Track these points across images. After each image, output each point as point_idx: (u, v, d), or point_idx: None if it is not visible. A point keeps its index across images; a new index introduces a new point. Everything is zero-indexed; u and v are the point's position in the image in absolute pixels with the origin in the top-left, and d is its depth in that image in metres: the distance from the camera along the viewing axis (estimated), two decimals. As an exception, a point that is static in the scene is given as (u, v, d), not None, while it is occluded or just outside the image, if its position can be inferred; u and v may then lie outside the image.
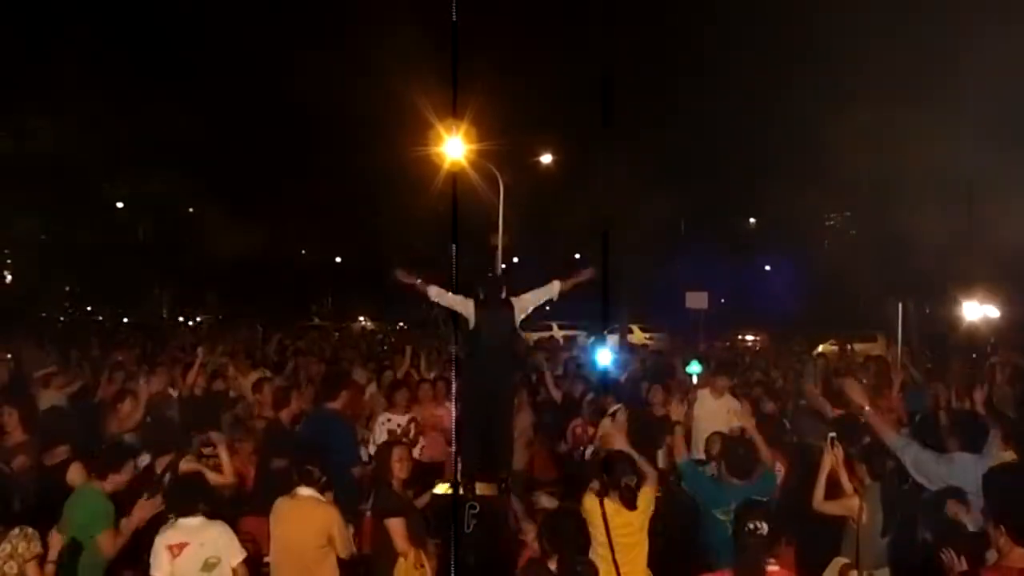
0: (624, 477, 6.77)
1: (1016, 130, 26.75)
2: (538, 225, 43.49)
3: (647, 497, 6.86)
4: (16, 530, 5.93)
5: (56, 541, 6.29)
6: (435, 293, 8.86)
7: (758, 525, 4.74)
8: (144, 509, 6.97)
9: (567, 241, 47.79)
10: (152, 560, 6.41)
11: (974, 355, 16.60)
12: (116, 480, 7.05)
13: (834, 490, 7.14)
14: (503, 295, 8.93)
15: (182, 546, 6.36)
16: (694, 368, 12.38)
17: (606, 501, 6.71)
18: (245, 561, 6.53)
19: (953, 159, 29.05)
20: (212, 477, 7.72)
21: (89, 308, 55.69)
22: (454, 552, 7.44)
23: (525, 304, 8.89)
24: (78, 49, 31.97)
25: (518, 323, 8.89)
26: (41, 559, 6.09)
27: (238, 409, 11.66)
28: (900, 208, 33.79)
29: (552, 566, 5.58)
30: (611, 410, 10.77)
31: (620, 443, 7.67)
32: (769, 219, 52.10)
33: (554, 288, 9.16)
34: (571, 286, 9.30)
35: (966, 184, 29.93)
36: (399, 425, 10.60)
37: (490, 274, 8.88)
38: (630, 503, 6.70)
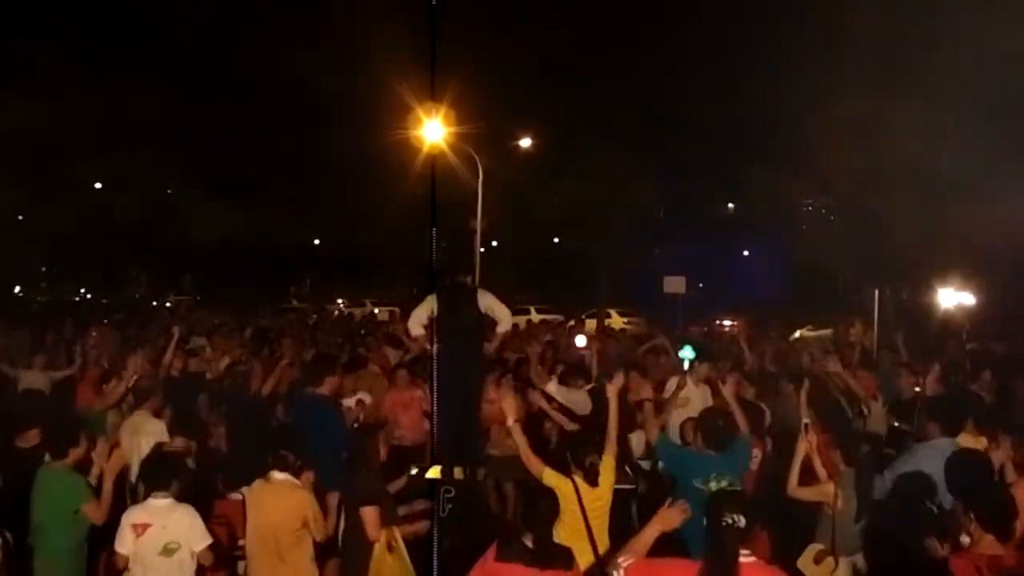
0: (587, 456, 6.86)
1: (994, 119, 26.90)
2: (517, 209, 43.42)
3: (608, 475, 6.94)
4: None
5: None
6: (414, 325, 9.08)
7: (735, 519, 4.72)
8: (109, 468, 6.97)
9: (546, 225, 47.83)
10: (117, 536, 6.44)
11: (965, 340, 16.66)
12: (76, 454, 7.08)
13: (809, 476, 7.18)
14: (469, 282, 8.96)
15: (145, 527, 6.38)
16: (687, 353, 12.37)
17: (576, 479, 6.79)
18: (212, 547, 6.52)
19: (931, 147, 29.17)
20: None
21: (65, 289, 55.43)
22: (435, 536, 7.44)
23: (490, 302, 8.91)
24: (56, 29, 31.77)
25: (483, 310, 8.89)
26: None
27: (214, 390, 11.64)
28: (878, 195, 33.92)
29: (528, 543, 5.62)
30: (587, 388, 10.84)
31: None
32: (747, 204, 52.17)
33: (508, 321, 9.31)
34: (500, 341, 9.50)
35: (944, 172, 30.00)
36: (348, 408, 10.58)
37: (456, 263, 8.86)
38: (593, 480, 6.79)
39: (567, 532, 6.55)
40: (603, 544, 6.76)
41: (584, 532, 6.63)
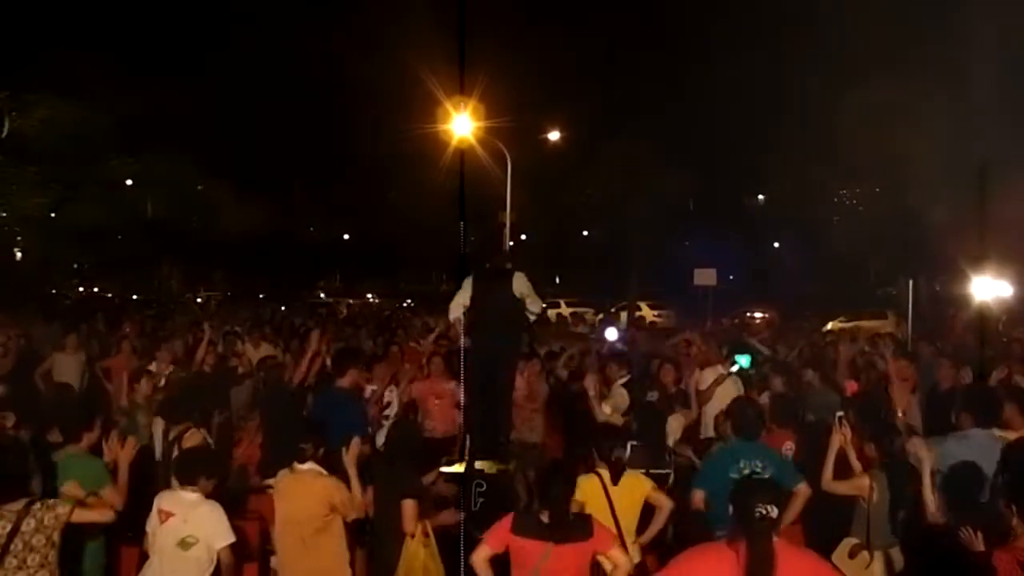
0: (614, 451, 6.83)
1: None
2: (546, 202, 43.40)
3: (633, 477, 6.88)
4: (38, 504, 5.97)
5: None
6: (454, 309, 9.00)
7: (768, 509, 4.66)
8: (123, 456, 6.94)
9: (575, 218, 47.79)
10: (150, 517, 6.53)
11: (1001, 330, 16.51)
12: (91, 437, 7.14)
13: (843, 469, 7.10)
14: (506, 266, 8.93)
15: (169, 515, 6.41)
16: (743, 362, 12.27)
17: (602, 473, 6.76)
18: (236, 546, 6.49)
19: (965, 134, 28.88)
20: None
21: (98, 286, 55.83)
22: (463, 531, 7.42)
23: (524, 286, 8.87)
24: (86, 27, 31.94)
25: (518, 294, 8.86)
26: None
27: (246, 385, 11.69)
28: (911, 184, 33.65)
29: (544, 518, 5.62)
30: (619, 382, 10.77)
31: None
32: (778, 195, 51.84)
33: (539, 305, 9.22)
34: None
35: (978, 160, 29.69)
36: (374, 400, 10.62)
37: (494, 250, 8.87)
38: (615, 477, 6.75)
39: None
40: (631, 540, 6.70)
41: (614, 529, 6.50)
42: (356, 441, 7.26)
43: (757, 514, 4.62)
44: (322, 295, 54.68)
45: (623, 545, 6.51)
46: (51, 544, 5.99)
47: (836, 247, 42.93)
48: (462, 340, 8.92)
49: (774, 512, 4.65)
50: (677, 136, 38.55)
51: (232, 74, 42.99)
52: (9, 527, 5.90)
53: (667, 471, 8.76)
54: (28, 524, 5.92)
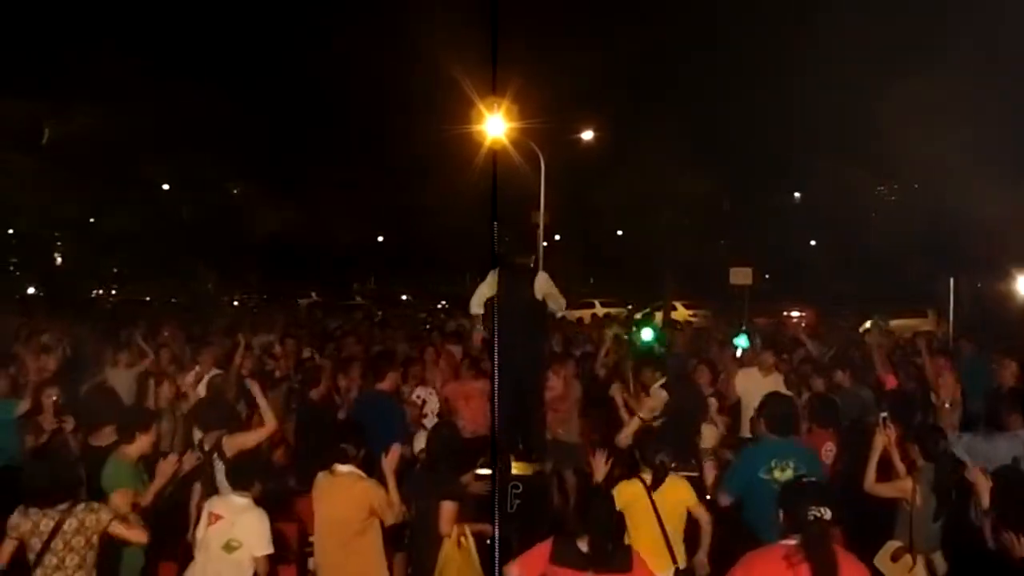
0: (657, 455, 6.80)
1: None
2: (580, 202, 43.28)
3: (676, 481, 6.85)
4: (81, 505, 6.11)
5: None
6: (475, 303, 9.09)
7: (821, 512, 4.61)
8: (166, 467, 7.05)
9: (609, 218, 47.61)
10: (199, 523, 6.65)
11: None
12: (143, 442, 7.21)
13: (886, 471, 7.00)
14: (531, 263, 8.91)
15: (218, 517, 6.51)
16: (741, 341, 12.19)
17: (645, 478, 6.74)
18: (270, 558, 6.52)
19: (1006, 130, 28.54)
20: (253, 436, 7.90)
21: (136, 290, 56.32)
22: (496, 533, 7.39)
23: (546, 286, 8.82)
24: (122, 33, 32.23)
25: (539, 294, 8.81)
26: None
27: (283, 388, 11.70)
28: (951, 181, 33.29)
29: (583, 547, 5.50)
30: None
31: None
32: (814, 193, 51.46)
33: (561, 303, 9.16)
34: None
35: (1019, 156, 29.35)
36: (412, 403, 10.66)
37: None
38: (658, 482, 6.71)
39: (640, 535, 6.47)
40: (679, 549, 6.68)
41: (659, 535, 6.54)
42: (396, 447, 7.25)
43: (811, 517, 4.58)
44: (357, 298, 54.79)
45: (670, 550, 6.51)
46: (90, 546, 6.10)
47: (874, 244, 42.56)
48: (484, 335, 8.91)
49: (827, 514, 4.60)
50: (712, 134, 38.37)
51: (266, 78, 43.29)
52: (52, 524, 6.02)
53: (695, 474, 8.65)
54: (70, 524, 6.05)
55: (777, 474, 6.84)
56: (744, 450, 8.06)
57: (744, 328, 14.64)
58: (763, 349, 11.97)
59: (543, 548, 5.58)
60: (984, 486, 6.34)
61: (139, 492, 6.91)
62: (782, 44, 37.18)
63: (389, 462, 7.07)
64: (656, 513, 6.60)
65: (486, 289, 8.88)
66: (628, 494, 6.56)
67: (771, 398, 7.87)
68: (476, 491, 7.94)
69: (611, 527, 5.70)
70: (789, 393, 9.37)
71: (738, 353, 12.26)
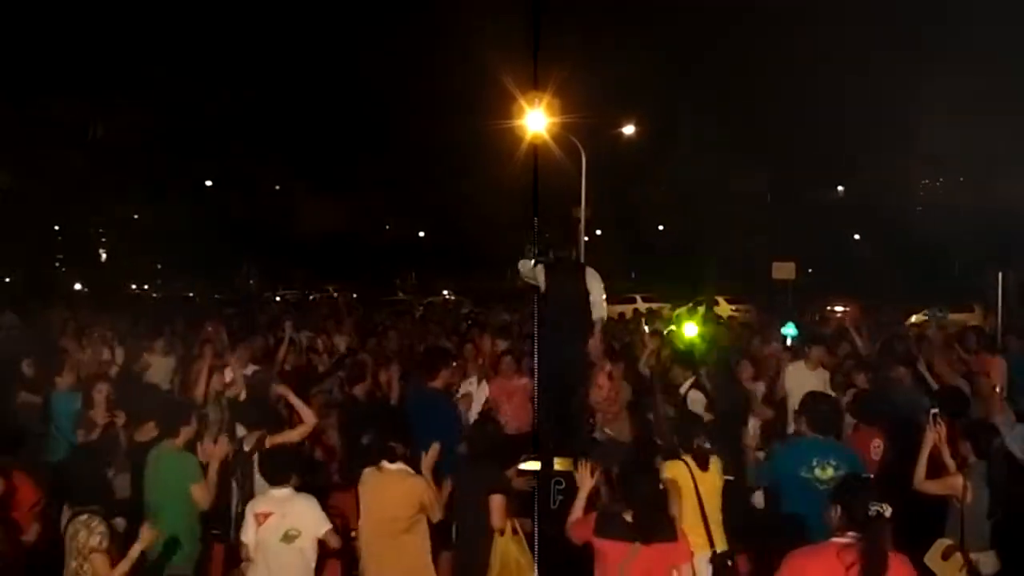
0: (695, 438, 6.83)
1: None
2: (621, 197, 43.20)
3: (717, 463, 6.88)
4: (83, 516, 5.94)
5: (147, 535, 6.05)
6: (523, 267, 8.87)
7: (882, 508, 4.55)
8: (215, 456, 7.14)
9: (651, 213, 47.50)
10: (243, 527, 6.63)
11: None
12: (187, 432, 7.26)
13: (936, 468, 6.88)
14: (574, 258, 8.83)
15: (267, 515, 6.52)
16: (789, 331, 12.06)
17: (687, 461, 6.75)
18: (333, 530, 6.59)
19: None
20: (295, 434, 7.93)
21: (179, 285, 56.87)
22: (536, 528, 7.37)
23: (594, 279, 8.73)
24: (169, 33, 32.49)
25: (589, 286, 8.72)
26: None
27: (325, 384, 11.72)
28: (996, 174, 32.90)
29: (628, 518, 5.55)
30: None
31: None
32: (858, 186, 51.01)
33: (603, 312, 8.94)
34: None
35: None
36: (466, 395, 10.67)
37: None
38: (703, 464, 6.73)
39: (681, 514, 6.44)
40: (718, 530, 6.66)
41: (699, 517, 6.55)
42: (435, 447, 7.24)
43: (873, 513, 4.53)
44: (400, 293, 54.99)
45: (708, 532, 6.52)
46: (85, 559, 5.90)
47: (919, 239, 42.12)
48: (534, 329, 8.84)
49: (888, 511, 4.55)
50: (754, 129, 38.16)
51: (309, 77, 43.50)
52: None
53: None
54: (69, 532, 5.98)
55: (819, 472, 6.80)
56: (781, 447, 7.95)
57: (791, 319, 14.47)
58: (812, 343, 11.82)
59: (588, 521, 5.68)
60: None
61: (193, 479, 6.98)
62: (827, 38, 36.92)
63: (428, 462, 7.09)
64: (698, 494, 6.61)
65: (535, 275, 8.72)
66: (673, 472, 6.62)
67: (812, 397, 7.77)
68: (519, 487, 7.92)
69: (656, 498, 5.75)
70: (832, 393, 9.28)
71: (787, 342, 12.12)
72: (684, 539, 5.73)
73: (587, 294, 8.69)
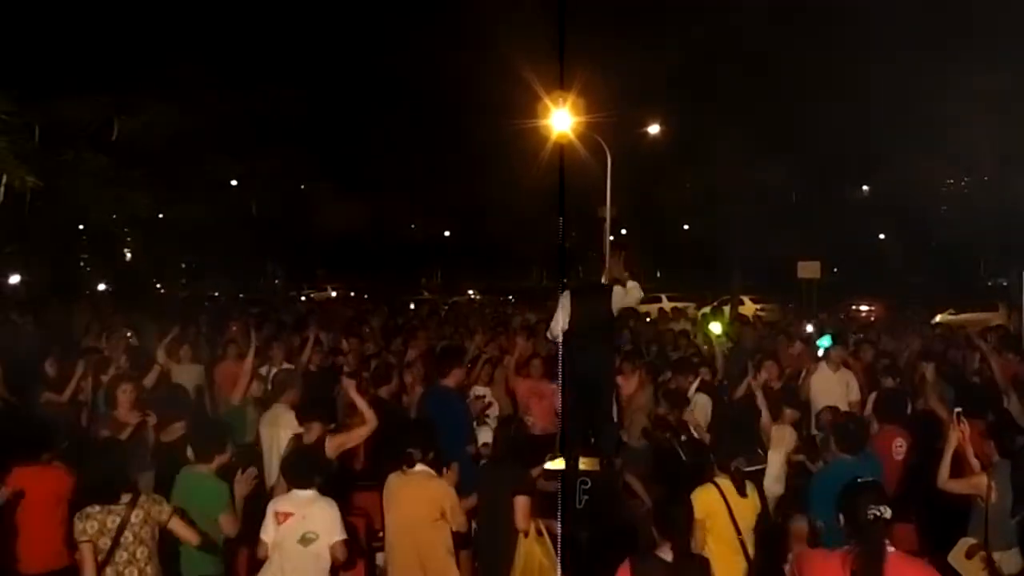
0: (734, 460, 6.66)
1: None
2: (646, 196, 43.12)
3: (754, 488, 6.71)
4: (143, 496, 6.18)
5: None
6: (555, 329, 8.78)
7: (881, 511, 4.57)
8: (244, 484, 7.10)
9: (676, 212, 47.33)
10: (264, 524, 6.60)
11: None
12: (221, 460, 7.15)
13: (960, 468, 6.89)
14: (603, 280, 8.84)
15: (287, 515, 6.51)
16: (824, 342, 12.02)
17: (721, 484, 6.55)
18: (346, 543, 6.56)
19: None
20: (356, 435, 8.01)
21: (204, 284, 57.13)
22: (561, 528, 7.38)
23: (621, 296, 8.71)
24: (191, 30, 32.59)
25: (616, 310, 8.74)
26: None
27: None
28: (1020, 174, 32.65)
29: (666, 556, 5.35)
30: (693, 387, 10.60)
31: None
32: (883, 185, 50.67)
33: (637, 294, 8.96)
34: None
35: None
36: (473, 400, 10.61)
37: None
38: (740, 488, 6.55)
39: (717, 542, 6.35)
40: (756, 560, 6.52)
41: (736, 543, 6.39)
42: (455, 467, 7.33)
43: (870, 516, 4.55)
44: (425, 292, 55.10)
45: (747, 557, 6.38)
46: (154, 538, 6.18)
47: (944, 238, 41.90)
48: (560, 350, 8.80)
49: (887, 513, 4.57)
50: (778, 127, 37.94)
51: (334, 74, 43.60)
52: (119, 520, 6.05)
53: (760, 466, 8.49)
54: (137, 515, 6.09)
55: None
56: (818, 476, 7.88)
57: (828, 329, 14.36)
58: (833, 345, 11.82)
59: (623, 570, 5.36)
60: None
61: (222, 507, 6.92)
62: (851, 35, 36.71)
63: (450, 478, 7.15)
64: (733, 519, 6.44)
65: (563, 314, 8.66)
66: (705, 502, 6.35)
67: (836, 414, 7.81)
68: (544, 487, 7.94)
69: (691, 530, 5.63)
70: (858, 394, 9.29)
71: (819, 353, 12.08)
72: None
73: (612, 315, 8.71)
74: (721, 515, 6.42)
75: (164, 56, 29.83)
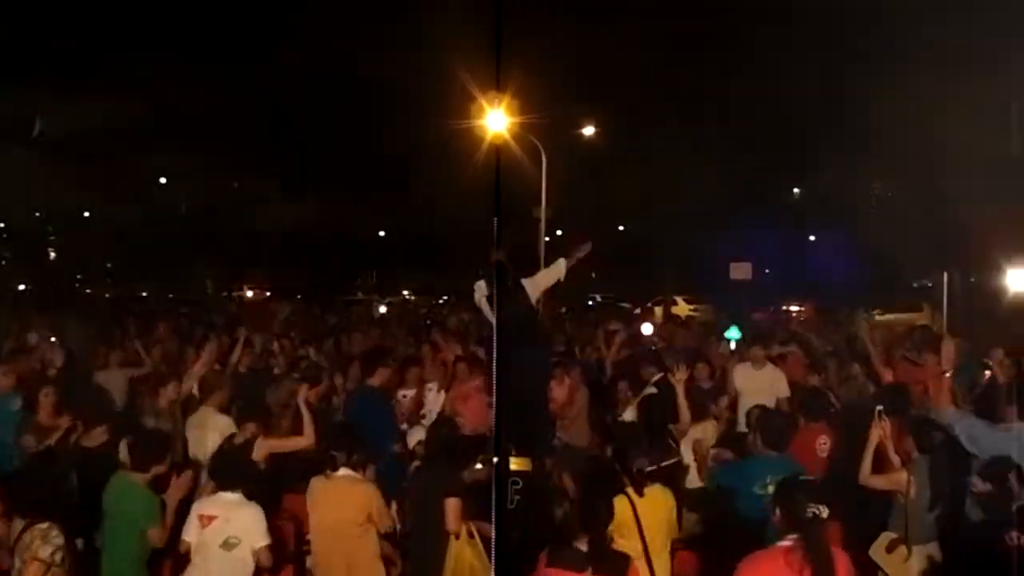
0: (636, 462, 6.50)
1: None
2: (581, 197, 43.33)
3: (662, 495, 6.54)
4: (44, 524, 5.71)
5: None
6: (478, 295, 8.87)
7: (819, 509, 4.66)
8: (178, 490, 6.89)
9: (610, 213, 47.61)
10: (186, 524, 6.53)
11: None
12: (157, 471, 6.91)
13: (881, 464, 7.02)
14: (511, 281, 8.86)
15: (211, 518, 6.44)
16: (733, 334, 12.17)
17: (629, 492, 6.34)
18: (272, 547, 6.50)
19: (1000, 127, 28.54)
20: (291, 444, 7.99)
21: (131, 285, 56.28)
22: (495, 528, 7.36)
23: (537, 284, 8.79)
24: (118, 24, 32.17)
25: (534, 302, 8.78)
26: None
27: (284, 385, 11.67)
28: (946, 177, 33.29)
29: (582, 547, 5.28)
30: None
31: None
32: (814, 189, 51.43)
33: (560, 267, 9.05)
34: (575, 262, 9.15)
35: (1013, 152, 29.37)
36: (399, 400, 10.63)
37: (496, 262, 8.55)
38: (639, 489, 6.34)
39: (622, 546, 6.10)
40: (660, 564, 6.32)
41: (640, 550, 6.13)
42: (371, 469, 7.30)
43: (810, 514, 4.63)
44: (359, 293, 54.80)
45: (650, 567, 6.18)
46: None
47: (871, 240, 42.52)
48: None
49: (825, 512, 4.65)
50: (712, 130, 38.37)
51: (266, 72, 43.25)
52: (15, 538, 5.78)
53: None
54: (23, 540, 5.71)
55: (772, 489, 6.78)
56: (736, 467, 7.97)
57: (735, 321, 14.60)
58: (752, 343, 11.95)
59: (540, 562, 5.34)
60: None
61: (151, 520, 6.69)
62: (782, 41, 37.19)
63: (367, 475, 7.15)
64: (639, 526, 6.23)
65: (485, 285, 8.77)
66: (616, 512, 6.00)
67: (764, 413, 7.90)
68: (475, 480, 7.90)
69: (608, 526, 5.53)
70: (774, 407, 9.40)
71: (731, 346, 12.24)
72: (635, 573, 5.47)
73: (532, 307, 8.74)
74: (628, 523, 6.19)
75: (91, 52, 29.37)
